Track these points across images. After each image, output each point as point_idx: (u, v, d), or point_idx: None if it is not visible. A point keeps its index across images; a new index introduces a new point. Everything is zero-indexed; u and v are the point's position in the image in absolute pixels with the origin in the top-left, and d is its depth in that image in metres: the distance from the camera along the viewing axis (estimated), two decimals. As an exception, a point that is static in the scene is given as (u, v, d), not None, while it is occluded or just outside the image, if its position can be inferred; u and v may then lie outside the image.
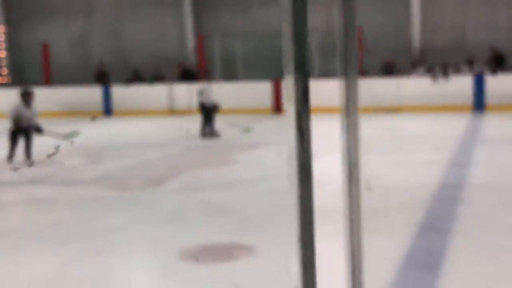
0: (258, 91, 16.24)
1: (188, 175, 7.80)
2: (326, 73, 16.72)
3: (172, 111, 16.81)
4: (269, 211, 5.73)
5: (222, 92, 16.28)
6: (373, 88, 15.47)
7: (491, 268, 3.95)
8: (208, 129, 11.53)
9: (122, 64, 19.93)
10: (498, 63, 15.40)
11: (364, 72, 16.44)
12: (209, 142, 10.94)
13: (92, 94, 17.51)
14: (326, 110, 14.22)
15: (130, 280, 4.12)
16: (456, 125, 11.62)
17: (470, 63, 15.79)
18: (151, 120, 15.74)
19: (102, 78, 18.45)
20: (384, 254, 4.29)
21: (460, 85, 14.67)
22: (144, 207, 6.09)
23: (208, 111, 11.60)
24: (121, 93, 17.61)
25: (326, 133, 10.12)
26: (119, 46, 20.37)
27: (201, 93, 11.97)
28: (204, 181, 7.38)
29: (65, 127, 14.38)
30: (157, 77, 18.19)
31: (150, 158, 9.26)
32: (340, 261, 4.01)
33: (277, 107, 16.27)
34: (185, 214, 5.74)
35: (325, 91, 14.60)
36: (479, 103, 14.44)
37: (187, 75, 18.14)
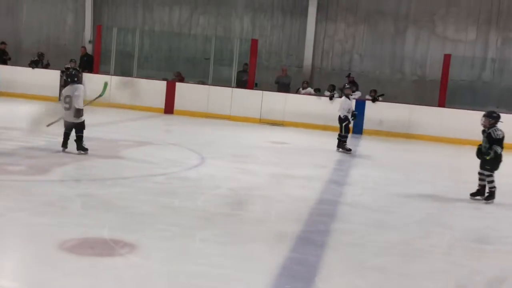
0: (152, 90, 16.21)
1: (73, 166, 7.68)
2: (219, 80, 17.04)
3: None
4: (152, 209, 5.81)
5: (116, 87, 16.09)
6: (262, 100, 15.96)
7: (360, 284, 4.24)
8: None
9: (16, 45, 19.17)
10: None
11: (255, 85, 16.86)
12: (100, 135, 10.78)
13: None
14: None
15: (4, 268, 4.04)
16: (335, 144, 12.23)
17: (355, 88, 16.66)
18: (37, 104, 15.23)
19: (1, 56, 17.66)
20: (262, 262, 4.53)
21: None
22: (25, 194, 5.95)
23: None
24: (8, 74, 17.02)
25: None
26: (14, 26, 19.48)
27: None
28: (88, 173, 7.31)
29: None
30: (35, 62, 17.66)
31: (36, 145, 9.01)
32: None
33: (169, 108, 16.30)
34: (67, 205, 5.68)
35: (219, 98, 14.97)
36: (358, 127, 15.30)
37: (88, 61, 17.74)
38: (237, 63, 17.40)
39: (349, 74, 16.89)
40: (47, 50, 18.60)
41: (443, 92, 16.06)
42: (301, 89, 16.68)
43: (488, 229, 6.46)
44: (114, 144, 10.12)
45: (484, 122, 7.58)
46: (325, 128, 15.08)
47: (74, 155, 8.37)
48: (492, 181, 7.57)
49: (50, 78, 16.95)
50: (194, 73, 16.32)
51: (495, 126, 7.53)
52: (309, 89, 16.67)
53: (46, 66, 17.71)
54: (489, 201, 7.55)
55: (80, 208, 5.66)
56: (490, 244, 5.89)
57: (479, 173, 7.64)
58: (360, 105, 15.46)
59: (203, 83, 17.00)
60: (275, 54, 18.32)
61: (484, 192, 7.66)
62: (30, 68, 17.25)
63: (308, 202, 6.75)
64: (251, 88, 16.55)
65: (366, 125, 15.49)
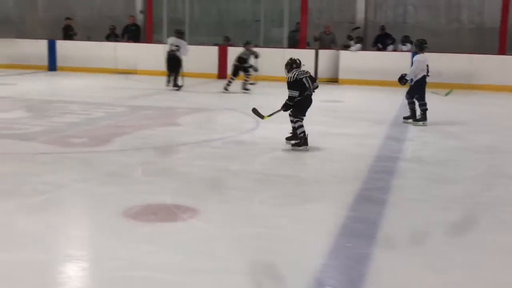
0: (204, 56, 16.24)
1: (132, 135, 7.83)
2: (270, 41, 16.89)
3: (116, 70, 16.65)
4: (210, 174, 5.88)
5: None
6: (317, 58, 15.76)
7: (425, 239, 4.17)
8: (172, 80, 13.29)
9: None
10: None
11: (307, 44, 16.64)
12: (156, 103, 10.95)
13: (38, 47, 17.31)
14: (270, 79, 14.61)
15: (71, 237, 4.18)
16: (393, 100, 11.99)
17: (405, 41, 16.22)
18: (96, 78, 15.56)
19: (67, 32, 18.08)
20: (321, 222, 4.52)
21: (398, 61, 15.14)
22: (87, 165, 6.11)
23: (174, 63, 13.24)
24: (66, 48, 17.40)
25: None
26: (66, 1, 19.78)
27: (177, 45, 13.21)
28: (147, 142, 7.45)
29: (7, 79, 14.02)
30: (110, 35, 17.93)
31: (95, 116, 9.22)
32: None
33: (222, 73, 16.34)
34: (128, 174, 5.81)
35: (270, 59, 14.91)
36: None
37: (135, 30, 17.93)
38: (288, 23, 17.18)
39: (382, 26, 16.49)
40: (100, 22, 18.82)
41: (503, 39, 15.46)
42: (351, 45, 16.32)
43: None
44: (171, 111, 10.25)
45: None
46: (381, 83, 14.81)
47: (132, 126, 8.54)
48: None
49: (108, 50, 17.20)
50: (245, 36, 16.19)
51: None
52: (358, 45, 16.29)
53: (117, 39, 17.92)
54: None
55: (141, 176, 5.77)
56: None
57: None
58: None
59: (255, 45, 16.88)
60: (326, 10, 17.98)
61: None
62: (89, 42, 17.52)
63: (366, 159, 6.68)
64: (303, 47, 16.35)
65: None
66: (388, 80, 14.58)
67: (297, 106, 7.14)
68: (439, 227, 4.43)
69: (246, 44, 13.53)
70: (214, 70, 16.36)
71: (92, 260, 3.74)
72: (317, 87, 7.32)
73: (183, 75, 13.32)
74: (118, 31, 18.05)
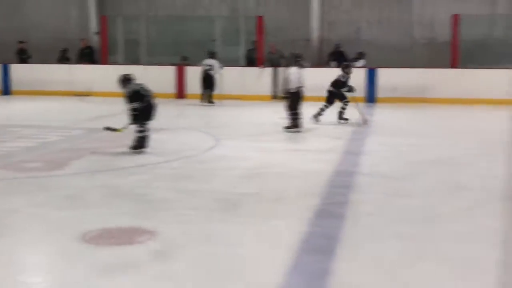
0: (162, 76, 16.17)
1: (89, 158, 7.71)
2: (229, 61, 16.95)
3: (72, 93, 16.44)
4: (170, 195, 5.82)
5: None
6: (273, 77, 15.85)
7: (384, 252, 4.22)
8: None
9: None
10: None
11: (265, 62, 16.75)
12: (113, 125, 10.79)
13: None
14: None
15: (26, 264, 4.08)
16: (349, 115, 12.15)
17: (359, 57, 16.49)
18: (52, 100, 15.30)
19: (21, 55, 17.81)
20: (282, 239, 4.52)
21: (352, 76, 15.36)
22: (43, 189, 5.98)
23: None
24: (20, 71, 17.13)
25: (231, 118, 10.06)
26: (18, 22, 19.46)
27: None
28: (105, 164, 7.34)
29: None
30: (61, 58, 17.72)
31: (51, 140, 9.06)
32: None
33: (181, 92, 16.30)
34: (85, 197, 5.71)
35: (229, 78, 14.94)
36: (371, 95, 15.22)
37: (88, 53, 17.77)
38: (244, 42, 17.27)
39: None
40: (55, 45, 18.56)
41: (455, 53, 15.85)
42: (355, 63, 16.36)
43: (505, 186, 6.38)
44: (128, 132, 10.14)
45: None
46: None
47: (88, 148, 8.42)
48: None
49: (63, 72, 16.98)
50: (202, 56, 16.19)
51: None
52: (362, 61, 16.37)
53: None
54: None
55: (98, 199, 5.68)
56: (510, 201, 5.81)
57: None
58: (372, 73, 15.36)
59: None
60: (282, 29, 18.14)
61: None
62: (43, 65, 17.28)
63: (325, 175, 6.72)
64: (261, 65, 16.44)
65: (380, 93, 15.36)
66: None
67: (142, 114, 7.86)
68: (398, 240, 4.47)
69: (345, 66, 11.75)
70: (172, 89, 16.30)
71: (47, 287, 3.64)
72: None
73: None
74: (72, 53, 17.86)
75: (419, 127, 11.28)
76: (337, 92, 11.33)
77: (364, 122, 11.06)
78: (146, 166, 7.24)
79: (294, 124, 10.03)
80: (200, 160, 7.68)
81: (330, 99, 11.43)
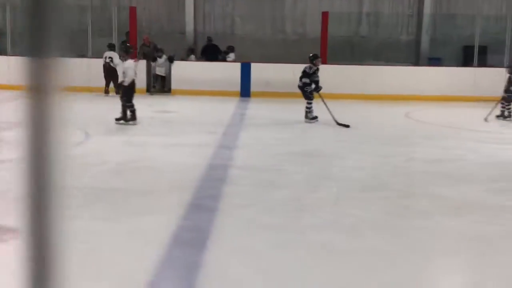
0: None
1: None
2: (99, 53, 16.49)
3: None
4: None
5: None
6: (147, 70, 15.66)
7: (253, 243, 4.33)
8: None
9: None
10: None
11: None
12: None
13: None
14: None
15: None
16: (224, 109, 12.28)
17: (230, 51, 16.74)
18: None
19: None
20: (154, 233, 4.49)
21: (226, 70, 15.63)
22: None
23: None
24: None
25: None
26: None
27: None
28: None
29: None
30: None
31: None
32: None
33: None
34: None
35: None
36: (246, 89, 15.48)
37: None
38: (117, 33, 16.90)
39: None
40: None
41: (324, 49, 16.47)
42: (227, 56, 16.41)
43: (369, 177, 6.76)
44: None
45: None
46: (212, 93, 15.09)
47: None
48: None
49: None
50: (72, 47, 15.63)
51: None
52: (232, 54, 16.45)
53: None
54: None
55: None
56: (372, 191, 6.15)
57: None
58: (246, 67, 15.60)
59: (83, 56, 16.38)
60: (156, 21, 17.96)
61: None
62: None
63: (199, 169, 6.75)
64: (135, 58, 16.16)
65: (254, 87, 15.65)
66: (217, 90, 14.95)
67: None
68: (266, 230, 4.61)
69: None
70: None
71: None
72: None
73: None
74: None
75: (288, 121, 11.62)
76: (302, 87, 11.05)
77: (338, 123, 10.48)
78: (9, 162, 6.89)
79: (133, 116, 10.10)
80: (69, 155, 7.42)
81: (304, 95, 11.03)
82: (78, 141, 8.31)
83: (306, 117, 11.07)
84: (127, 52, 10.37)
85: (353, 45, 17.82)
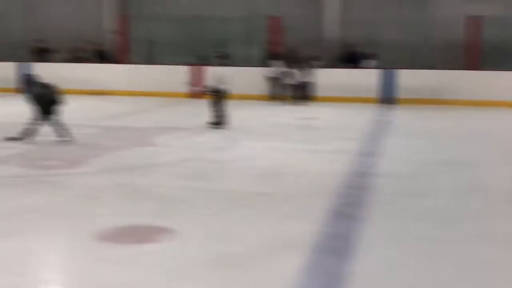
0: (176, 76, 16.24)
1: (105, 156, 7.77)
2: (247, 61, 16.96)
3: (89, 91, 16.56)
4: (186, 194, 5.84)
5: (141, 75, 16.30)
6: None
7: (402, 255, 4.21)
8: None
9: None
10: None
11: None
12: (129, 124, 10.89)
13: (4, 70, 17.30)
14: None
15: (45, 261, 4.12)
16: (364, 116, 12.12)
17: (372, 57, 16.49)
18: (69, 99, 15.36)
19: (39, 54, 18.01)
20: (295, 239, 4.52)
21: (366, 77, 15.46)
22: (60, 188, 6.04)
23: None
24: (38, 70, 17.24)
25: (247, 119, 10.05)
26: (35, 22, 19.62)
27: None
28: (121, 162, 7.38)
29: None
30: (76, 57, 17.88)
31: (68, 138, 9.11)
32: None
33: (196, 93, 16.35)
34: (102, 195, 5.75)
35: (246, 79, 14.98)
36: (390, 96, 15.20)
37: (102, 53, 17.93)
38: (262, 42, 17.31)
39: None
40: (72, 44, 18.64)
41: (475, 55, 15.73)
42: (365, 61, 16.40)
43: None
44: (145, 132, 10.20)
45: None
46: (354, 100, 14.97)
47: (107, 145, 8.48)
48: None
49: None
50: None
51: None
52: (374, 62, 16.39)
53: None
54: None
55: (116, 197, 5.71)
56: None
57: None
58: (390, 74, 15.30)
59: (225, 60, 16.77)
60: (298, 29, 18.05)
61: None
62: (61, 63, 17.45)
63: (340, 176, 6.72)
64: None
65: (397, 94, 15.30)
66: (356, 97, 14.71)
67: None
68: (413, 241, 4.47)
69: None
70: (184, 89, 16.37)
71: (65, 284, 3.69)
72: None
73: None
74: (88, 52, 17.99)
75: (433, 128, 11.19)
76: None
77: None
78: (163, 165, 7.28)
79: (220, 121, 10.45)
80: (216, 159, 7.73)
81: None
82: (226, 146, 8.61)
83: None
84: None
85: (508, 51, 16.74)
